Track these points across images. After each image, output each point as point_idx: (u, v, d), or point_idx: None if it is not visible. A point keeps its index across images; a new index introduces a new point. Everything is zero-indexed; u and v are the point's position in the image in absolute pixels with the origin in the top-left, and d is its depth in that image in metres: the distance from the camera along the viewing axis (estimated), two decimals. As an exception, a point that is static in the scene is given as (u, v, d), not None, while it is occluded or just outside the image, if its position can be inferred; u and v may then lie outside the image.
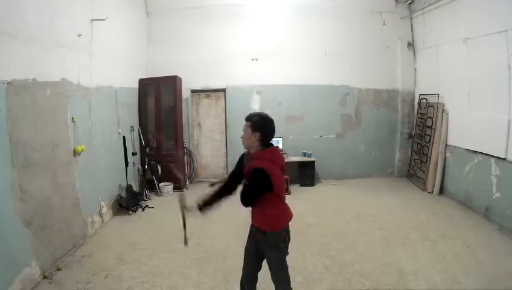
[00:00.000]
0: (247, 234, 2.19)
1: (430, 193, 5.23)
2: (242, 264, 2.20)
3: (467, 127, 4.60)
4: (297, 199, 5.01)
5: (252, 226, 2.10)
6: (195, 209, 1.99)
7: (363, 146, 6.31)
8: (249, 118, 1.98)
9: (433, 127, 5.26)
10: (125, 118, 5.09)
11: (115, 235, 3.90)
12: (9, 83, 2.60)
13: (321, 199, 5.22)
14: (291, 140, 6.08)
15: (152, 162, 5.57)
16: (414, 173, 6.01)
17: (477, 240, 3.49)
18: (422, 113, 5.75)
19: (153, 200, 5.22)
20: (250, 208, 2.02)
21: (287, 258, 2.09)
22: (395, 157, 6.36)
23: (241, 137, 2.01)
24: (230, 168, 6.47)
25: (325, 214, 4.50)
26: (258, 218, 2.03)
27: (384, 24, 6.08)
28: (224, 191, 2.05)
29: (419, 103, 5.90)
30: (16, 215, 2.66)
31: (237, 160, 2.13)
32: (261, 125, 1.94)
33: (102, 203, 4.22)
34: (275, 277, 2.07)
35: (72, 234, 3.46)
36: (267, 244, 2.02)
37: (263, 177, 1.81)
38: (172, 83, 5.70)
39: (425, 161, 5.49)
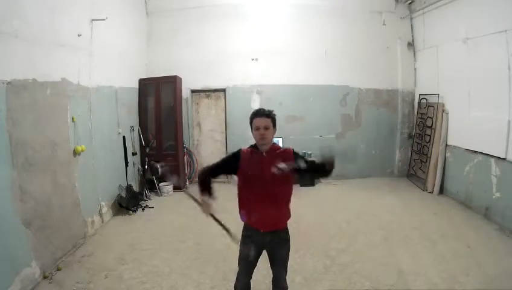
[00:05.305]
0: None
1: (430, 192, 5.22)
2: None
3: (467, 127, 4.60)
4: (297, 199, 4.93)
5: (259, 233, 1.97)
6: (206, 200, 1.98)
7: (363, 146, 6.31)
8: (268, 114, 1.92)
9: (433, 127, 5.26)
10: (125, 118, 5.08)
11: (115, 235, 3.90)
12: (9, 83, 2.60)
13: (321, 199, 5.21)
14: (291, 140, 6.07)
15: (152, 162, 5.57)
16: (414, 173, 6.01)
17: (477, 240, 3.49)
18: (422, 113, 5.75)
19: (153, 200, 5.22)
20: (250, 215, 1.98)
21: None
22: (395, 157, 6.36)
23: (264, 133, 1.88)
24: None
25: (325, 214, 4.49)
26: (280, 218, 2.00)
27: (384, 24, 6.08)
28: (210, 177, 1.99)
29: (419, 103, 5.90)
30: (16, 216, 2.65)
31: (231, 155, 2.00)
32: (275, 121, 1.97)
33: (102, 203, 4.22)
34: (283, 269, 2.09)
35: (72, 234, 3.46)
36: (282, 240, 2.03)
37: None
38: (172, 83, 5.70)
39: (425, 160, 5.49)
